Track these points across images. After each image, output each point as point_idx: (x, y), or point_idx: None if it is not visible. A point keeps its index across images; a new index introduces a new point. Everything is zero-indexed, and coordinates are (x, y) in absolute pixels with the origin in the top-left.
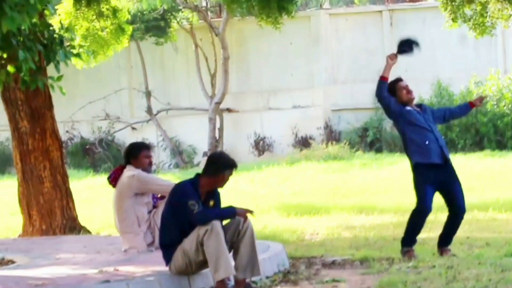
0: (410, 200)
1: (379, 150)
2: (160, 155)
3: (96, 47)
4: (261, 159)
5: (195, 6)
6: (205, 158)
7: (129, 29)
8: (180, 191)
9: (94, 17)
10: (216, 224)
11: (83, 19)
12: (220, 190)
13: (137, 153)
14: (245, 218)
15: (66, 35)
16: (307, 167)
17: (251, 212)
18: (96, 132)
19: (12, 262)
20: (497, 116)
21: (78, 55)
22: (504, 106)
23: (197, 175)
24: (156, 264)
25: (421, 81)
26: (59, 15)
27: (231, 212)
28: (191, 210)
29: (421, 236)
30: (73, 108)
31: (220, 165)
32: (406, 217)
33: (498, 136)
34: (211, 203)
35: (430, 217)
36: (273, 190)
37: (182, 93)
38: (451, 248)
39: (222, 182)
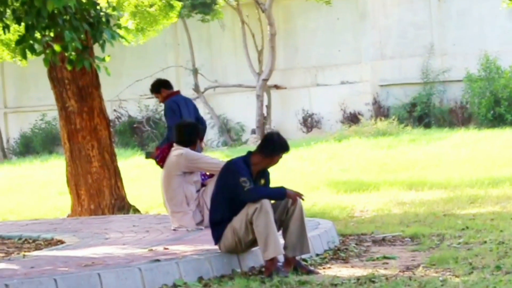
0: (460, 175)
1: (427, 125)
2: (208, 133)
3: (145, 24)
4: (309, 135)
5: None
6: (253, 135)
7: (178, 5)
8: (233, 168)
9: None
10: (266, 202)
11: None
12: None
13: (201, 135)
14: (295, 200)
15: (113, 13)
16: (355, 143)
17: (301, 195)
18: (144, 110)
19: (61, 242)
20: None
21: (123, 37)
22: None
23: (249, 153)
24: (205, 243)
25: (469, 55)
26: None
27: (282, 193)
28: (242, 187)
29: (471, 211)
30: (120, 86)
31: (277, 147)
32: (456, 193)
33: None
34: (262, 181)
35: (480, 193)
36: (322, 167)
37: (229, 70)
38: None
39: (275, 163)
